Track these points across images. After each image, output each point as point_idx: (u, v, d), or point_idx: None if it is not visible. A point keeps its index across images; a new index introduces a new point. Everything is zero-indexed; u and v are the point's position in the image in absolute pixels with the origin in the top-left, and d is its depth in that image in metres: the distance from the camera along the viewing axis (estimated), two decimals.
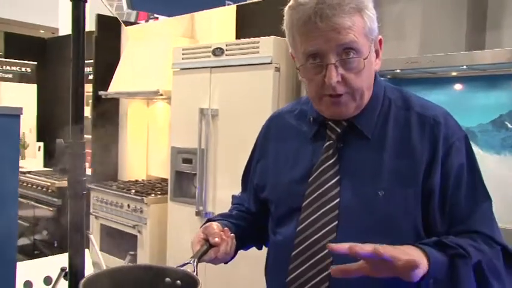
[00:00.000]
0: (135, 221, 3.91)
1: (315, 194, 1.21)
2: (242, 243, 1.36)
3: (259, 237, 1.44)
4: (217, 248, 1.22)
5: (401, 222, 1.16)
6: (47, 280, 2.32)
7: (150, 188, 4.22)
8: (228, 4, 1.12)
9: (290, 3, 1.17)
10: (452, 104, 2.87)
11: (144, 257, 3.82)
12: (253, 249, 1.49)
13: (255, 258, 1.56)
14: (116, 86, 4.40)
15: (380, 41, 1.23)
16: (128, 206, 3.98)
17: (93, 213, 4.35)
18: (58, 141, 1.39)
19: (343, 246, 0.99)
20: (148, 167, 4.78)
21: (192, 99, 3.46)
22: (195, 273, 1.11)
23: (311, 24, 1.11)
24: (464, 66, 2.50)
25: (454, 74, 2.81)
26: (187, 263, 1.15)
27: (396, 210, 1.15)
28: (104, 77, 4.55)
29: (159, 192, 3.99)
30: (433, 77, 2.90)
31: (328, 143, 1.24)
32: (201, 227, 1.31)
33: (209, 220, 1.36)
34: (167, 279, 1.11)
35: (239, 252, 1.39)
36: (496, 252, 1.15)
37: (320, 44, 1.12)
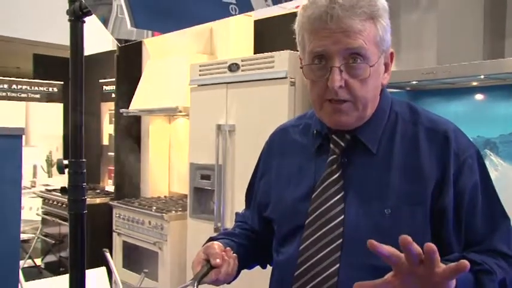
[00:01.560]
0: (156, 237, 3.90)
1: (319, 211, 1.16)
2: (245, 263, 1.33)
3: (263, 256, 1.39)
4: (219, 269, 1.17)
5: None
6: None
7: (172, 204, 4.22)
8: (234, 14, 1.09)
9: (304, 4, 1.14)
10: (473, 115, 2.78)
11: (165, 273, 3.80)
12: (257, 268, 1.44)
13: (258, 279, 1.52)
14: (137, 103, 4.43)
15: (391, 54, 1.18)
16: (149, 222, 3.98)
17: (116, 230, 4.36)
18: (58, 160, 1.39)
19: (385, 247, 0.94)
20: (171, 183, 4.79)
21: (209, 115, 3.44)
22: None
23: (321, 23, 1.08)
24: (482, 76, 2.42)
25: (473, 84, 2.73)
26: (187, 285, 1.12)
27: (403, 229, 1.09)
28: (126, 95, 4.59)
29: (180, 209, 3.98)
30: (452, 88, 2.82)
31: (331, 158, 1.19)
32: (203, 245, 1.27)
33: (211, 239, 1.32)
34: None
35: (243, 272, 1.35)
36: None
37: (327, 45, 1.08)
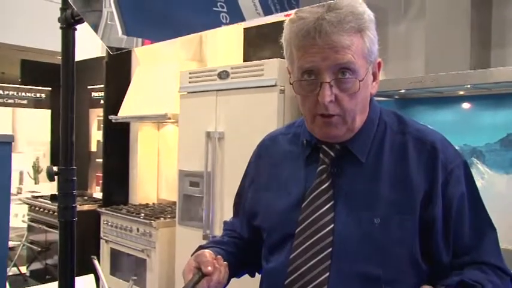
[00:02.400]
0: (144, 244, 3.89)
1: (309, 220, 1.17)
2: (235, 271, 1.32)
3: (252, 264, 1.39)
4: (210, 277, 1.17)
5: (398, 250, 1.12)
6: None
7: (160, 211, 4.21)
8: (225, 25, 1.10)
9: (291, 17, 1.15)
10: (460, 123, 2.82)
11: (153, 281, 3.79)
12: (246, 277, 1.45)
13: (247, 286, 1.52)
14: (126, 110, 4.42)
15: (379, 64, 1.20)
16: (137, 229, 3.96)
17: (103, 237, 4.34)
18: (48, 167, 1.38)
19: None
20: (159, 190, 4.78)
21: (198, 122, 3.45)
22: None
23: (309, 39, 1.08)
24: (469, 86, 2.45)
25: (460, 93, 2.77)
26: None
27: (392, 238, 1.11)
28: (114, 102, 4.58)
29: (168, 216, 3.97)
30: (439, 97, 2.86)
31: (321, 167, 1.20)
32: (192, 254, 1.27)
33: (201, 247, 1.32)
34: None
35: (233, 281, 1.35)
36: (506, 283, 1.13)
37: (316, 61, 1.09)
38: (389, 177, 1.14)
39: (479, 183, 2.76)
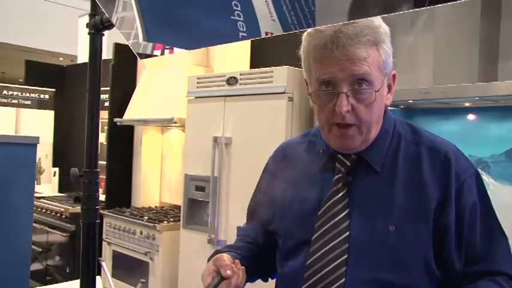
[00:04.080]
0: (147, 247, 3.92)
1: (325, 227, 1.20)
2: (250, 276, 1.35)
3: (266, 269, 1.42)
4: (229, 280, 1.19)
5: (412, 257, 1.15)
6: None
7: (163, 214, 4.24)
8: (243, 35, 1.14)
9: (309, 30, 1.18)
10: (465, 134, 2.87)
11: (156, 284, 3.81)
12: (260, 281, 1.48)
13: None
14: (131, 113, 4.46)
15: (394, 76, 1.24)
16: (141, 232, 3.99)
17: (106, 240, 4.36)
18: (72, 170, 1.41)
19: None
20: (162, 194, 4.81)
21: (205, 127, 3.49)
22: None
23: (327, 51, 1.12)
24: (477, 98, 2.50)
25: (467, 104, 2.81)
26: None
27: (407, 245, 1.15)
28: (120, 105, 4.62)
29: (171, 219, 4.00)
30: (445, 107, 2.91)
31: (337, 176, 1.24)
32: (209, 258, 1.30)
33: (217, 252, 1.35)
34: None
35: (248, 286, 1.38)
36: None
37: (334, 72, 1.13)
38: (404, 185, 1.18)
39: None
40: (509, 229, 2.75)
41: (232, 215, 3.27)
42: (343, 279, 1.15)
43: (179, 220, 3.86)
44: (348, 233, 1.18)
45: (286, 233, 1.30)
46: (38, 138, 1.50)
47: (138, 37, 1.59)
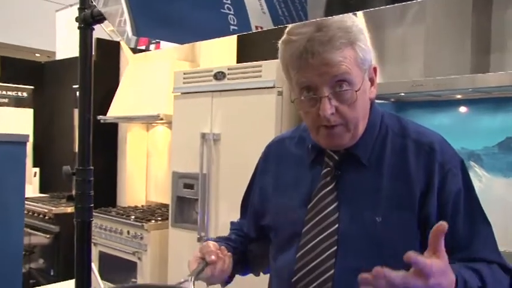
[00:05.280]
0: (135, 247, 3.90)
1: (314, 220, 1.25)
2: (239, 268, 1.40)
3: (257, 263, 1.47)
4: (214, 265, 1.25)
5: (399, 246, 1.16)
6: None
7: (150, 213, 4.23)
8: (234, 28, 1.15)
9: (283, 38, 1.21)
10: (457, 127, 2.90)
11: None
12: (254, 277, 1.50)
13: (256, 285, 1.58)
14: (115, 110, 4.43)
15: (375, 69, 1.26)
16: (128, 232, 3.98)
17: (92, 240, 4.33)
18: (65, 168, 1.40)
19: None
20: (148, 193, 4.79)
21: (193, 123, 3.48)
22: None
23: (303, 60, 1.15)
24: (470, 89, 2.54)
25: (458, 96, 2.85)
26: (185, 281, 1.18)
27: (394, 235, 1.19)
28: (102, 102, 4.58)
29: (159, 218, 3.99)
30: (437, 100, 2.94)
31: (326, 170, 1.28)
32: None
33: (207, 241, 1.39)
34: None
35: (242, 280, 1.40)
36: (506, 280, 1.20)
37: (313, 77, 1.16)
38: (390, 178, 1.22)
39: (476, 186, 2.80)
40: (501, 220, 2.80)
41: (222, 213, 3.28)
42: (332, 271, 1.20)
43: (167, 219, 3.85)
44: (336, 225, 1.22)
45: (278, 226, 1.34)
46: (27, 136, 1.50)
47: (127, 32, 1.59)
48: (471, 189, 1.25)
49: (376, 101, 3.32)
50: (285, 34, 1.20)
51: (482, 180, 2.80)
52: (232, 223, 1.59)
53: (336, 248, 1.21)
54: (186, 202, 3.60)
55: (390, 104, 3.17)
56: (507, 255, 2.50)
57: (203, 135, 3.37)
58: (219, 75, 3.33)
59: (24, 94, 5.95)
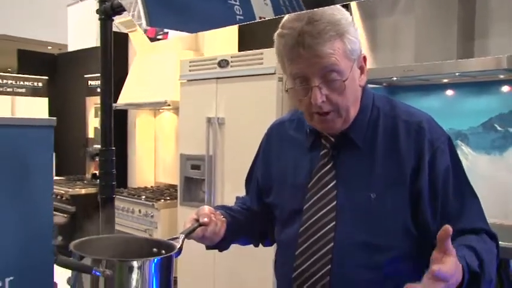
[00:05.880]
0: (146, 225, 3.96)
1: (315, 198, 1.28)
2: (236, 236, 1.42)
3: (257, 235, 1.50)
4: (206, 227, 1.27)
5: (391, 221, 1.22)
6: (69, 280, 2.36)
7: (159, 193, 4.28)
8: (240, 18, 1.18)
9: (278, 31, 1.24)
10: (445, 109, 2.95)
11: None
12: (262, 250, 1.52)
13: (263, 259, 1.61)
14: (124, 97, 4.46)
15: (364, 58, 1.28)
16: (139, 211, 4.03)
17: None
18: (88, 149, 1.43)
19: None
20: (156, 174, 4.84)
21: (199, 108, 3.52)
22: (180, 246, 1.15)
23: (295, 51, 1.17)
24: (456, 74, 2.58)
25: (445, 81, 2.89)
26: (176, 238, 1.19)
27: (387, 210, 1.22)
28: (113, 90, 4.60)
29: (168, 198, 4.05)
30: (426, 84, 2.98)
31: (324, 151, 1.31)
32: None
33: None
34: (154, 249, 1.15)
35: (249, 253, 1.41)
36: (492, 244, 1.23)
37: (304, 68, 1.18)
38: (383, 156, 1.25)
39: (463, 163, 2.88)
40: (486, 194, 2.85)
41: (228, 191, 3.33)
42: (332, 244, 1.23)
43: (175, 198, 3.91)
44: (335, 202, 1.25)
45: (282, 204, 1.37)
46: (55, 120, 1.53)
47: (142, 22, 1.63)
48: (459, 164, 1.27)
49: (370, 85, 3.37)
50: (279, 28, 1.23)
51: (468, 158, 2.86)
52: (237, 198, 1.61)
53: (334, 223, 1.24)
54: (194, 182, 3.65)
55: (383, 88, 3.21)
56: (493, 226, 2.57)
57: (209, 120, 3.41)
58: (223, 63, 3.36)
59: (40, 84, 5.98)
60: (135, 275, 1.01)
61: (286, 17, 1.20)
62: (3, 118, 1.68)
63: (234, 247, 1.44)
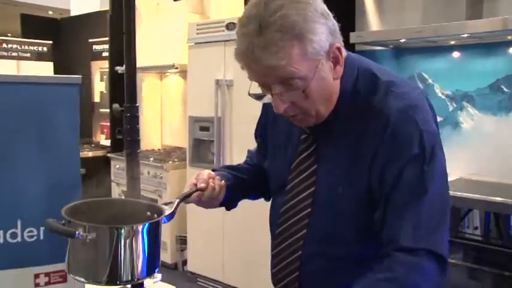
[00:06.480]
0: (156, 186, 4.02)
1: (295, 181, 1.22)
2: (242, 195, 1.40)
3: (264, 190, 1.44)
4: (202, 192, 1.24)
5: (353, 217, 1.14)
6: None
7: (167, 155, 4.32)
8: None
9: (236, 31, 1.10)
10: (453, 70, 2.97)
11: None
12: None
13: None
14: None
15: (338, 48, 1.10)
16: (148, 172, 4.08)
17: (114, 181, 4.45)
18: (114, 105, 1.47)
19: None
20: (163, 137, 4.88)
21: (207, 71, 3.53)
22: (174, 210, 1.16)
23: (246, 62, 1.06)
24: (465, 35, 2.59)
25: (452, 42, 2.90)
26: (171, 202, 1.20)
27: (349, 205, 1.14)
28: (119, 54, 4.59)
29: (176, 160, 4.10)
30: (434, 46, 2.99)
31: (304, 136, 1.22)
32: None
33: (213, 170, 1.38)
34: (148, 213, 1.17)
35: (258, 211, 1.41)
36: (420, 269, 1.03)
37: (260, 77, 1.07)
38: (354, 145, 1.14)
39: (469, 124, 2.95)
40: (491, 154, 2.89)
41: (236, 152, 3.37)
42: (305, 231, 1.19)
43: (183, 160, 3.95)
44: (313, 188, 1.18)
45: (273, 174, 1.35)
46: (80, 78, 1.56)
47: None
48: (423, 162, 1.06)
49: (376, 47, 3.37)
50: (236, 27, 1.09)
51: (474, 119, 2.89)
52: (248, 151, 1.58)
53: (310, 210, 1.18)
54: (202, 144, 3.70)
55: (389, 50, 3.21)
56: (497, 185, 2.63)
57: (217, 82, 3.43)
58: (231, 26, 3.36)
59: (44, 49, 5.95)
60: (117, 240, 1.05)
61: (244, 10, 1.06)
62: (31, 76, 1.72)
63: (242, 206, 1.44)
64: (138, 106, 1.50)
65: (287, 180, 1.23)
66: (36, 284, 1.56)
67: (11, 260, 1.53)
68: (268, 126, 1.37)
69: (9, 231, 1.55)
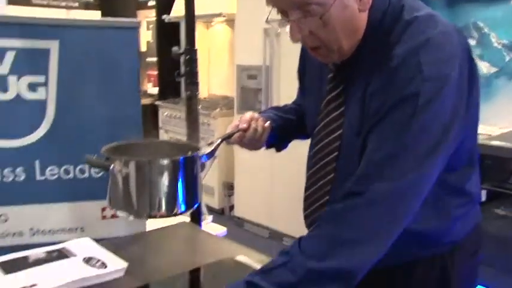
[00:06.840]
0: (203, 133, 4.07)
1: (323, 122, 1.14)
2: (291, 134, 1.37)
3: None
4: (244, 133, 1.24)
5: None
6: None
7: (214, 104, 4.38)
8: None
9: None
10: (510, 18, 2.86)
11: (214, 164, 4.04)
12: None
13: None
14: (178, 10, 4.47)
15: None
16: None
17: (163, 128, 4.56)
18: (174, 49, 1.50)
19: None
20: (210, 86, 4.93)
21: (256, 20, 3.51)
22: (214, 148, 1.19)
23: None
24: None
25: None
26: (211, 143, 1.23)
27: (359, 153, 1.03)
28: (165, 4, 4.62)
29: (223, 108, 4.15)
30: None
31: (330, 75, 1.13)
32: None
33: (259, 113, 1.36)
34: (189, 152, 1.16)
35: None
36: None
37: (276, 2, 0.99)
38: (370, 92, 1.03)
39: None
40: None
41: (284, 100, 3.34)
42: (332, 175, 1.12)
43: (230, 108, 4.00)
44: (340, 131, 1.10)
45: (307, 116, 1.29)
46: (139, 22, 1.60)
47: None
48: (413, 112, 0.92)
49: None
50: None
51: None
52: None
53: (337, 153, 1.10)
54: (250, 92, 3.72)
55: None
56: None
57: (265, 30, 3.42)
58: None
59: None
60: (152, 173, 1.08)
61: None
62: (92, 20, 1.77)
63: (290, 150, 1.42)
64: (197, 49, 1.53)
65: (316, 122, 1.17)
66: (103, 217, 1.67)
67: (80, 194, 1.63)
68: (306, 63, 1.31)
69: (78, 168, 1.65)
